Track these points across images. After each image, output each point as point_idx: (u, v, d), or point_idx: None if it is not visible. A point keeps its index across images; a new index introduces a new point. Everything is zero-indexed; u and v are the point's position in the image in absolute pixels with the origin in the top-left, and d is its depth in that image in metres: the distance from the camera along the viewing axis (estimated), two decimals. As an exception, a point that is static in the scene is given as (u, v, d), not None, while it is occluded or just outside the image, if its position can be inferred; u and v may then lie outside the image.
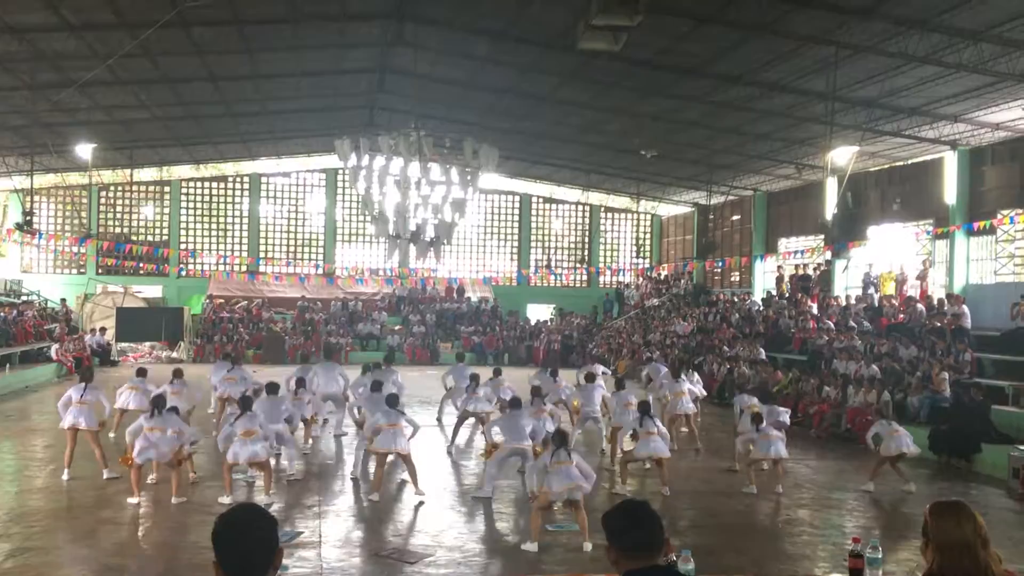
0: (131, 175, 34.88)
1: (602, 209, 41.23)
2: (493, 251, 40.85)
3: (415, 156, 18.82)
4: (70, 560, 8.63)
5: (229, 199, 38.32)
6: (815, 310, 25.22)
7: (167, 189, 37.47)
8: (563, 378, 17.54)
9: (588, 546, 8.92)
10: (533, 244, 41.03)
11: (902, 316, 21.56)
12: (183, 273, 36.95)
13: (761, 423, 12.79)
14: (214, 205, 38.15)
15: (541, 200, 41.05)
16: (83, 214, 35.64)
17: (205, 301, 35.08)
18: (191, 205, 37.87)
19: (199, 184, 37.99)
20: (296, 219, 39.09)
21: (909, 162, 24.55)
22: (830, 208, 23.45)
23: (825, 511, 11.49)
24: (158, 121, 26.83)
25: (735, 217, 34.41)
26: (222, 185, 38.29)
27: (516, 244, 40.83)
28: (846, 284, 27.28)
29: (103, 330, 30.63)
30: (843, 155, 21.57)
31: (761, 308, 28.42)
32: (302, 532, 9.48)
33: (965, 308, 19.97)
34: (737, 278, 34.93)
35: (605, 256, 41.58)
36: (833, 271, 27.77)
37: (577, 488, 9.01)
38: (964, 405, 15.45)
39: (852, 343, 20.46)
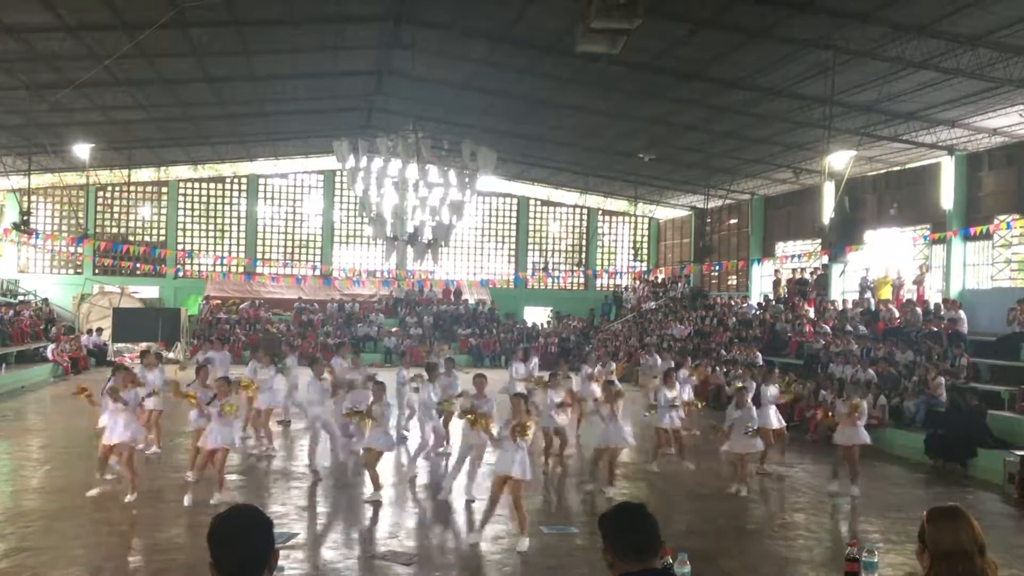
0: (128, 175, 34.88)
1: (600, 212, 41.26)
2: (491, 253, 40.86)
3: (413, 158, 18.79)
4: (65, 560, 8.60)
5: (227, 200, 38.29)
6: (812, 314, 25.25)
7: (165, 190, 37.44)
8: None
9: (524, 543, 9.07)
10: (531, 247, 41.03)
11: (899, 321, 21.58)
12: (180, 274, 36.93)
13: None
14: (212, 206, 38.13)
15: (539, 202, 41.07)
16: (80, 214, 35.62)
17: (202, 302, 35.05)
18: (189, 206, 37.84)
19: (197, 185, 37.97)
20: (294, 220, 39.07)
21: (906, 167, 24.58)
22: (827, 212, 23.49)
23: (821, 515, 11.49)
24: (156, 122, 26.82)
25: (732, 221, 34.45)
26: (220, 186, 38.26)
27: (514, 246, 40.83)
28: (843, 288, 27.32)
29: (99, 330, 30.59)
30: (841, 159, 21.60)
31: (758, 312, 28.44)
32: (297, 533, 9.47)
33: (962, 313, 20.01)
34: (734, 282, 34.96)
35: (602, 259, 41.60)
36: (830, 275, 27.81)
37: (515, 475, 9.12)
38: (960, 410, 15.46)
39: (849, 347, 20.47)
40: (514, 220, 40.84)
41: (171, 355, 31.45)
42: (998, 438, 14.63)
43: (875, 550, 5.60)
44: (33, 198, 31.17)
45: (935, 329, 19.73)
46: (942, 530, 3.28)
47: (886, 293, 24.22)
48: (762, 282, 32.31)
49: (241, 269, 37.45)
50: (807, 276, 28.87)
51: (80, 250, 34.24)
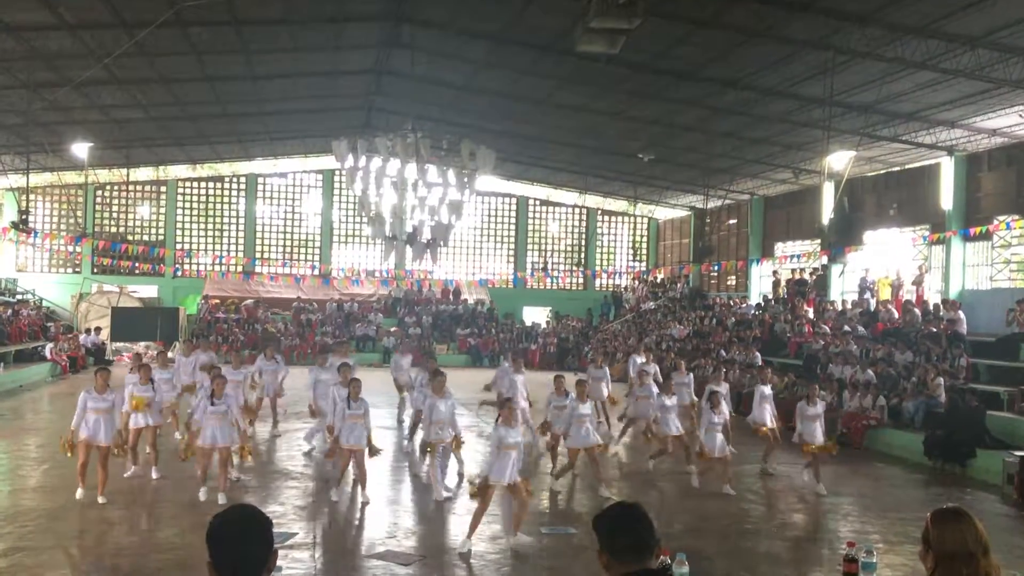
0: (127, 174, 34.88)
1: (599, 212, 41.26)
2: (489, 253, 40.86)
3: (412, 158, 18.79)
4: (63, 560, 8.59)
5: (225, 199, 38.28)
6: (811, 315, 25.25)
7: (163, 189, 37.42)
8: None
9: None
10: (530, 246, 41.02)
11: (898, 321, 21.59)
12: (179, 273, 36.91)
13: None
14: (210, 205, 38.11)
15: (538, 202, 41.07)
16: (79, 213, 35.59)
17: (200, 301, 35.02)
18: (187, 205, 37.82)
19: (195, 184, 37.95)
20: (292, 220, 39.06)
21: (906, 167, 24.59)
22: (827, 213, 23.51)
23: (819, 515, 11.48)
24: (155, 121, 26.81)
25: (732, 221, 34.46)
26: (218, 185, 38.25)
27: (513, 246, 40.83)
28: (842, 289, 27.33)
29: (98, 330, 30.56)
30: (840, 160, 21.61)
31: (757, 312, 28.45)
32: (296, 533, 9.45)
33: (961, 313, 20.02)
34: (733, 282, 34.97)
35: (602, 259, 41.60)
36: (829, 276, 27.81)
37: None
38: (959, 410, 15.45)
39: (848, 348, 20.47)
40: (513, 220, 40.84)
41: (169, 354, 31.43)
42: (997, 439, 14.64)
43: (874, 550, 5.59)
44: (32, 197, 31.14)
45: (934, 330, 19.74)
46: (946, 531, 3.27)
47: (885, 294, 24.24)
48: (761, 282, 32.33)
49: (240, 268, 37.43)
50: (806, 276, 28.88)
51: (79, 249, 34.20)
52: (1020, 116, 18.84)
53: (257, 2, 17.79)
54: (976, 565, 3.20)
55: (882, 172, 25.52)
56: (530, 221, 41.12)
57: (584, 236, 41.52)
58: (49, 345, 26.75)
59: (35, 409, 19.73)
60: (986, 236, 21.54)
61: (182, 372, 15.39)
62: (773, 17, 15.84)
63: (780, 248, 31.21)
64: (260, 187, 38.49)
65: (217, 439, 10.66)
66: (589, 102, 23.29)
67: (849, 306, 24.35)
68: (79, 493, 10.42)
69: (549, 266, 40.66)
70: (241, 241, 38.21)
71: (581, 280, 41.38)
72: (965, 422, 15.01)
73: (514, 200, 40.63)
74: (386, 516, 10.64)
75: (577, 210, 41.42)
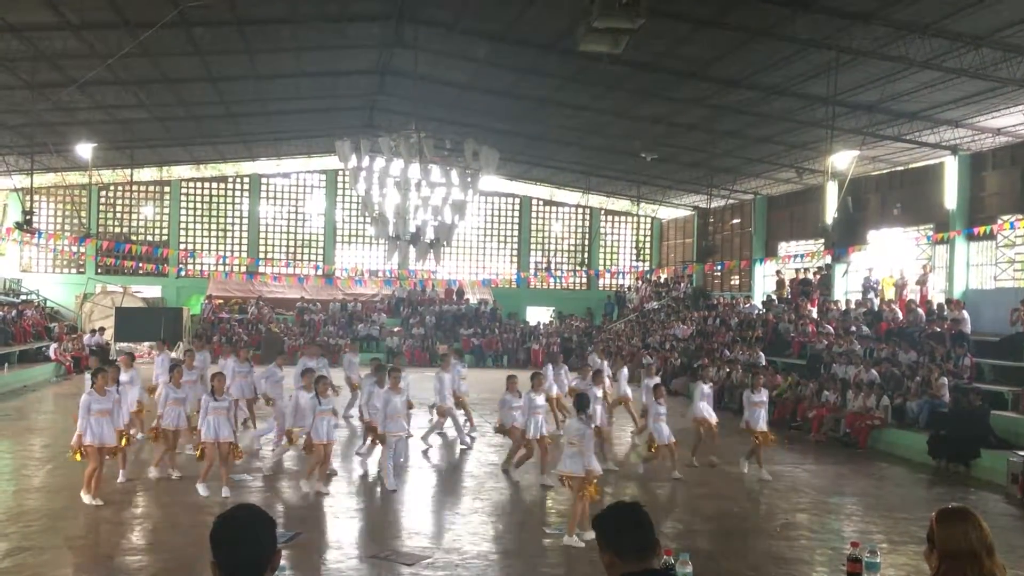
0: (131, 175, 34.90)
1: (602, 212, 41.24)
2: (493, 253, 40.87)
3: (415, 158, 18.77)
4: (67, 560, 8.61)
5: (229, 199, 38.32)
6: (815, 314, 25.22)
7: (167, 189, 37.47)
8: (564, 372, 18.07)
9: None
10: (533, 246, 41.02)
11: (902, 321, 21.54)
12: (182, 273, 36.93)
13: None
14: (214, 205, 38.15)
15: (541, 202, 41.07)
16: (83, 214, 35.65)
17: (204, 301, 35.06)
18: (191, 205, 37.87)
19: (199, 184, 38.00)
20: (296, 220, 39.09)
21: (910, 167, 24.56)
22: (830, 212, 23.45)
23: (823, 515, 11.46)
24: (158, 121, 26.84)
25: (735, 221, 34.43)
26: (222, 185, 38.29)
27: (516, 246, 40.82)
28: (846, 289, 27.29)
29: (102, 330, 30.59)
30: (844, 159, 21.57)
31: (761, 312, 28.42)
32: (300, 533, 9.45)
33: (965, 313, 19.96)
34: (737, 282, 34.94)
35: (605, 259, 41.58)
36: (833, 275, 27.78)
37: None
38: (963, 410, 15.42)
39: (852, 347, 20.44)
40: (516, 220, 40.83)
41: (173, 354, 31.46)
42: (1001, 439, 14.60)
43: (878, 550, 5.57)
44: (36, 197, 31.21)
45: (938, 329, 19.70)
46: (951, 531, 3.27)
47: (889, 293, 24.20)
48: (765, 282, 32.29)
49: (243, 269, 37.46)
50: (810, 276, 28.84)
51: (83, 249, 34.23)
52: (1024, 115, 18.82)
53: (260, 2, 17.80)
54: (980, 565, 3.20)
55: (886, 171, 25.48)
56: (533, 221, 41.12)
57: (587, 236, 41.50)
58: (53, 345, 26.79)
59: (39, 409, 19.75)
60: (990, 236, 21.50)
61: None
62: (776, 16, 15.82)
63: (783, 248, 31.18)
64: (263, 187, 38.52)
65: (219, 433, 11.01)
66: (592, 101, 23.27)
67: (853, 306, 24.30)
68: (87, 499, 10.37)
69: (552, 266, 40.66)
70: (244, 241, 38.26)
71: (584, 280, 41.36)
72: (969, 422, 14.98)
73: (517, 200, 40.63)
74: (390, 516, 10.65)
75: (580, 210, 41.41)
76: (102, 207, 36.68)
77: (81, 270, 36.12)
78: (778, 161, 26.86)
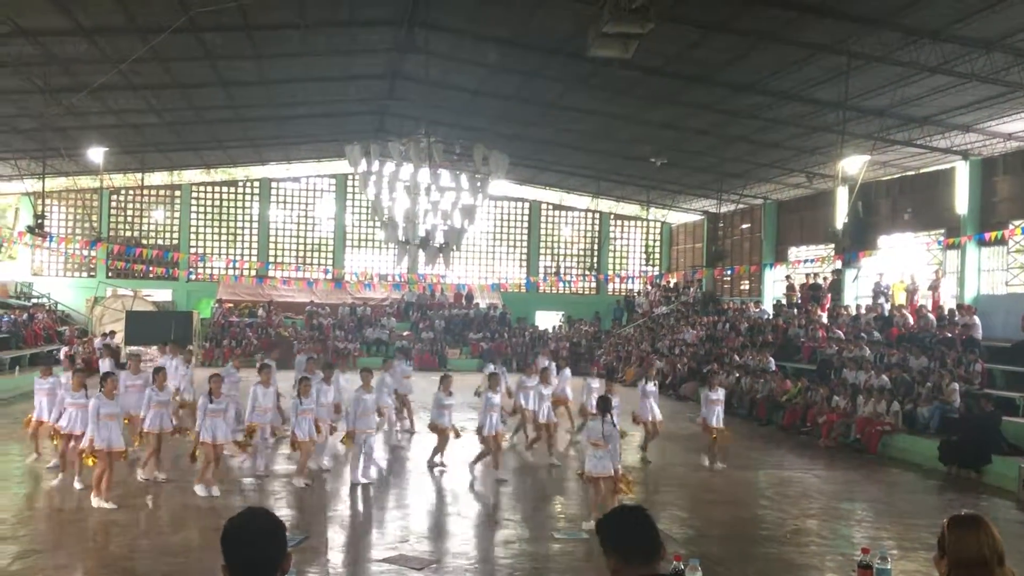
0: (142, 179, 35.07)
1: (612, 216, 41.22)
2: (502, 257, 40.88)
3: (425, 162, 18.84)
4: (78, 562, 8.64)
5: (239, 203, 38.43)
6: (825, 319, 25.14)
7: (177, 193, 37.61)
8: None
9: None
10: (542, 251, 41.02)
11: (913, 326, 21.46)
12: (192, 277, 37.04)
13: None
14: (224, 209, 38.27)
15: (550, 207, 41.07)
16: (94, 218, 35.82)
17: (214, 305, 35.16)
18: (201, 209, 37.99)
19: (209, 188, 38.14)
20: (305, 224, 39.18)
21: (920, 171, 24.48)
22: (841, 217, 23.41)
23: (834, 521, 11.42)
24: (169, 126, 26.96)
25: (745, 225, 34.37)
26: (232, 190, 38.41)
27: (525, 250, 40.83)
28: (856, 294, 27.19)
29: (112, 333, 30.70)
30: (854, 164, 21.50)
31: (771, 317, 28.35)
32: (308, 536, 9.47)
33: (976, 319, 19.88)
34: (747, 286, 34.86)
35: (614, 263, 41.55)
36: (843, 280, 27.69)
37: None
38: (974, 416, 15.36)
39: (862, 353, 20.37)
40: (526, 224, 40.85)
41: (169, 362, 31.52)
42: (1013, 444, 14.53)
43: (888, 557, 5.55)
44: (47, 201, 31.35)
45: (949, 335, 19.62)
46: (962, 538, 3.25)
47: (900, 298, 24.12)
48: (774, 287, 32.21)
49: (253, 272, 37.55)
50: (820, 281, 28.77)
51: (93, 253, 34.40)
52: (1036, 120, 18.74)
53: (270, 7, 17.86)
54: (991, 573, 3.18)
55: (896, 176, 25.40)
56: (542, 225, 41.11)
57: (596, 240, 41.47)
58: (64, 349, 26.88)
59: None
60: (1001, 241, 21.40)
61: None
62: (787, 21, 15.80)
63: (794, 253, 31.10)
64: (273, 191, 38.63)
65: (218, 435, 11.31)
66: (602, 106, 23.27)
67: (863, 311, 24.22)
68: (96, 502, 10.42)
69: (561, 270, 40.65)
70: (254, 245, 38.36)
71: (593, 284, 41.32)
72: (980, 428, 14.91)
73: (526, 204, 40.64)
74: (399, 520, 10.66)
75: (589, 214, 41.40)
76: (113, 211, 36.83)
77: (92, 274, 36.27)
78: (788, 166, 26.80)
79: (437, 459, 13.79)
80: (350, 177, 35.93)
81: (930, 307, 22.07)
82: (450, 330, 36.07)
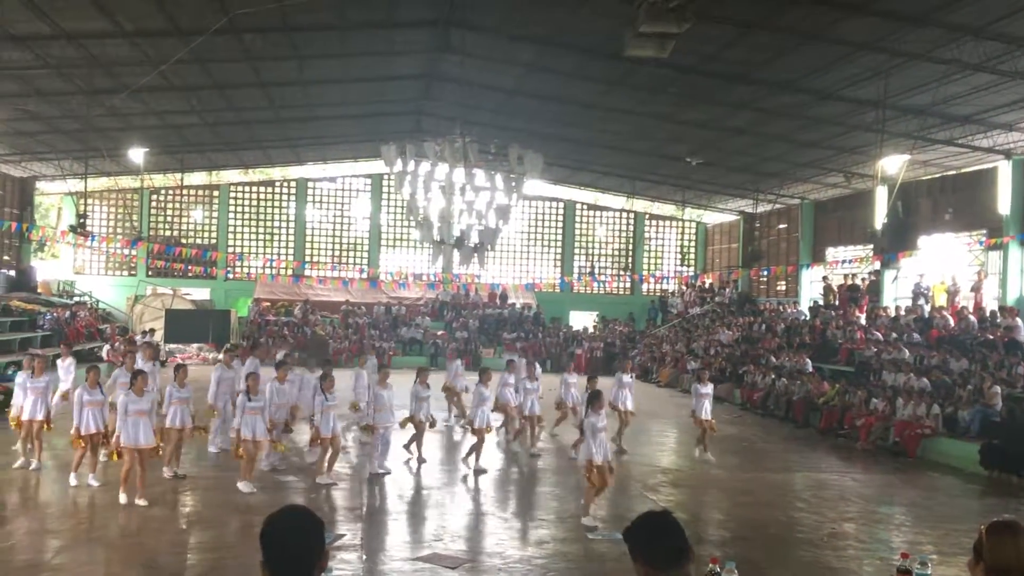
0: (181, 179, 35.50)
1: (647, 216, 41.04)
2: (536, 257, 40.85)
3: (460, 162, 18.88)
4: (119, 557, 8.77)
5: (276, 203, 38.78)
6: (863, 321, 24.84)
7: (216, 193, 38.04)
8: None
9: None
10: (577, 251, 40.94)
11: (953, 328, 21.14)
12: (230, 276, 37.44)
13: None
14: (261, 209, 38.64)
15: (585, 207, 40.98)
16: (134, 217, 36.33)
17: (251, 304, 35.52)
18: (239, 209, 38.39)
19: (247, 188, 38.54)
20: (341, 223, 39.45)
21: (962, 171, 24.09)
22: (880, 217, 23.10)
23: (872, 525, 11.30)
24: (208, 126, 27.28)
25: (782, 226, 34.05)
26: (269, 190, 38.78)
27: (559, 250, 40.78)
28: (895, 295, 26.84)
29: (152, 331, 31.13)
30: (894, 164, 21.21)
31: (807, 318, 28.06)
32: (344, 535, 9.54)
33: (1019, 320, 19.54)
34: (783, 287, 34.54)
35: (649, 264, 41.37)
36: (882, 281, 27.34)
37: None
38: (1017, 420, 15.12)
39: (901, 355, 20.11)
40: (560, 224, 40.79)
41: (220, 356, 31.92)
42: (1057, 449, 14.29)
43: (928, 562, 5.47)
44: (89, 201, 31.90)
45: (991, 337, 19.30)
46: (1001, 544, 3.20)
47: (940, 300, 23.77)
48: (811, 288, 31.87)
49: (290, 272, 37.88)
50: (858, 282, 28.43)
51: (134, 252, 34.90)
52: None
53: (309, 8, 17.99)
54: None
55: (937, 176, 25.02)
56: (577, 225, 41.04)
57: (631, 240, 41.30)
58: (106, 346, 27.31)
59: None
60: (1045, 241, 21.03)
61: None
62: (826, 19, 15.62)
63: (831, 253, 30.75)
64: (310, 191, 38.93)
65: (257, 432, 11.48)
66: (638, 105, 23.16)
67: (903, 312, 23.90)
68: (124, 499, 10.51)
69: (596, 270, 40.54)
70: (291, 244, 38.69)
71: (628, 284, 41.16)
72: (1023, 432, 14.67)
73: (561, 204, 40.58)
74: (433, 518, 10.71)
75: (624, 214, 41.24)
76: (153, 211, 37.33)
77: (132, 272, 36.80)
78: (826, 166, 26.50)
79: (412, 449, 14.16)
80: (386, 177, 36.13)
81: (971, 309, 21.74)
82: (484, 330, 36.11)
